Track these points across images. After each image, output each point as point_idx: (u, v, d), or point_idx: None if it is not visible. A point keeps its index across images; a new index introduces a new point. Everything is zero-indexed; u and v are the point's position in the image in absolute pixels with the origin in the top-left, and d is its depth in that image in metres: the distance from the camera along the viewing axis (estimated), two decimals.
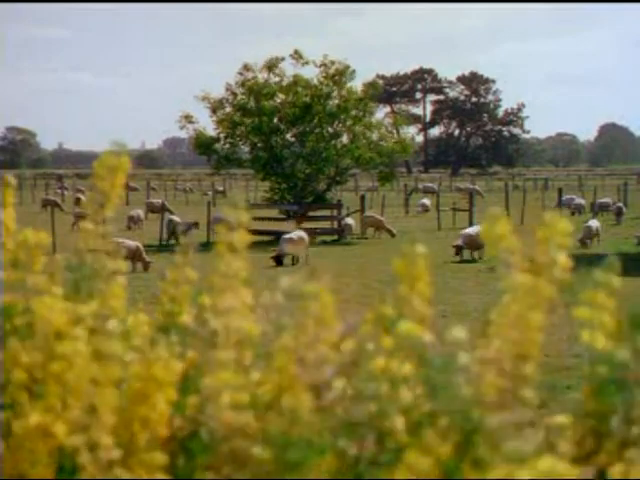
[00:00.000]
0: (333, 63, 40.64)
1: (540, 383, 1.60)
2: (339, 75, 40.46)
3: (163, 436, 1.59)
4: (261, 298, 1.68)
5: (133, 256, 24.91)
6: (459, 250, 27.70)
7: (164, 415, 1.59)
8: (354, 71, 40.92)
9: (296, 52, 40.67)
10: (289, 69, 41.07)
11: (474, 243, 26.87)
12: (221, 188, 73.23)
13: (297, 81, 40.50)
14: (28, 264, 1.75)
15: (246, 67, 40.82)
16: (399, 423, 1.53)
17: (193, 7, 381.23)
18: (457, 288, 21.18)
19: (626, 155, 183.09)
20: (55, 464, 1.57)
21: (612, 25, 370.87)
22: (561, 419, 1.59)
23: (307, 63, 40.72)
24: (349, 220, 38.00)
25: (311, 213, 39.96)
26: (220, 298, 1.64)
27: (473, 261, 27.09)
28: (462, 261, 27.29)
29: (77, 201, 48.63)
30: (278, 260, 27.06)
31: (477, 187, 71.68)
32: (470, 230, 28.31)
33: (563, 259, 1.62)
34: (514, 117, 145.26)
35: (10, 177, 1.97)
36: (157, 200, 51.85)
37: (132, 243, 25.39)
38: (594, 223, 33.37)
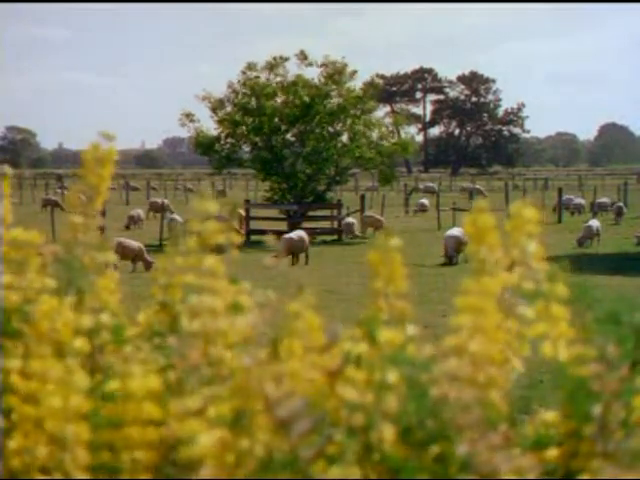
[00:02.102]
0: (333, 63, 40.67)
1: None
2: (338, 74, 40.47)
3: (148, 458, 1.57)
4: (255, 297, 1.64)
5: (135, 256, 24.94)
6: (451, 258, 26.73)
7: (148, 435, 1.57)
8: (355, 71, 40.97)
9: (302, 52, 40.70)
10: (292, 69, 41.18)
11: (460, 246, 26.11)
12: (221, 187, 73.27)
13: (297, 81, 40.53)
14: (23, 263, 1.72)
15: (250, 66, 40.84)
16: (387, 432, 1.52)
17: (193, 7, 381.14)
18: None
19: (626, 155, 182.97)
20: None
21: (612, 25, 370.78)
22: (549, 416, 1.59)
23: (311, 64, 40.78)
24: (351, 219, 37.94)
25: (311, 213, 39.97)
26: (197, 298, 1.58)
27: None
28: (462, 261, 27.25)
29: None
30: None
31: (480, 187, 71.66)
32: (456, 232, 26.81)
33: (535, 248, 1.60)
34: (514, 117, 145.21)
35: (6, 167, 1.93)
36: (159, 200, 51.80)
37: (135, 243, 25.44)
38: (594, 223, 33.36)
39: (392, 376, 1.53)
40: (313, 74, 41.13)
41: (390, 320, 1.60)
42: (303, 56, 40.73)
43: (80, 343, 1.61)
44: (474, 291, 1.54)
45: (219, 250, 1.63)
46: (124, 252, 24.81)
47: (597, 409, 1.48)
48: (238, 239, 1.63)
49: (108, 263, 1.80)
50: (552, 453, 1.55)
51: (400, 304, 1.61)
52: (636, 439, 1.47)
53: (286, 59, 40.74)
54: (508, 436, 1.48)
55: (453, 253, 26.52)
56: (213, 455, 1.48)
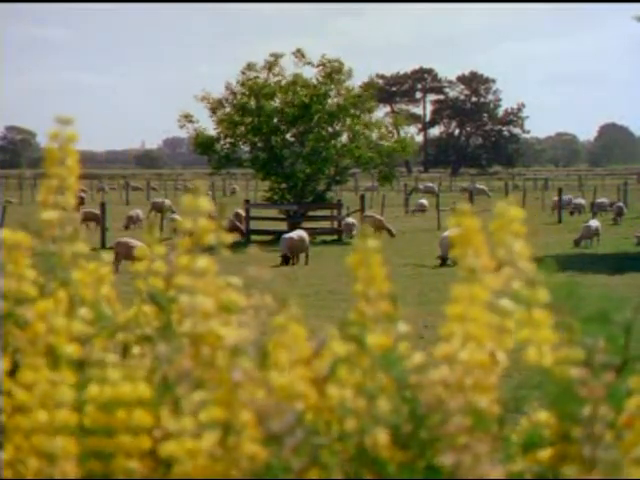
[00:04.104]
0: (330, 62, 40.69)
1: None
2: (336, 73, 40.49)
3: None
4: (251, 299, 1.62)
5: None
6: (444, 261, 26.28)
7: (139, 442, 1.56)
8: (351, 69, 41.01)
9: (299, 50, 40.71)
10: (290, 68, 41.19)
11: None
12: (237, 187, 74.99)
13: (296, 81, 40.54)
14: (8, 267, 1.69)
15: (249, 66, 40.86)
16: (381, 437, 1.52)
17: (193, 7, 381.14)
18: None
19: (626, 155, 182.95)
20: None
21: (612, 25, 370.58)
22: (543, 415, 1.59)
23: (309, 63, 40.80)
24: (351, 220, 37.85)
25: (311, 213, 39.97)
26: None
27: None
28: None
29: (81, 200, 48.36)
30: (286, 259, 27.27)
31: (484, 187, 71.56)
32: (449, 234, 25.76)
33: (521, 247, 1.59)
34: (514, 117, 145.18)
35: None
36: (161, 200, 51.76)
37: (139, 243, 25.32)
38: (594, 223, 33.33)
39: (382, 379, 1.53)
40: (311, 74, 41.21)
41: (375, 321, 1.59)
42: (300, 54, 40.74)
43: (71, 349, 1.59)
44: (463, 299, 1.54)
45: (212, 249, 1.61)
46: (128, 252, 24.73)
47: (583, 412, 1.48)
48: (230, 238, 1.62)
49: (79, 254, 1.77)
50: (544, 454, 1.55)
51: (383, 305, 1.60)
52: (625, 442, 1.47)
53: (281, 56, 40.72)
54: (497, 439, 1.47)
55: (446, 254, 26.19)
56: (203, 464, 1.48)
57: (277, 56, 40.71)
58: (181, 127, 41.43)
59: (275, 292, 1.64)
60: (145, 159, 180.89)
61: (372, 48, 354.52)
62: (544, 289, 1.56)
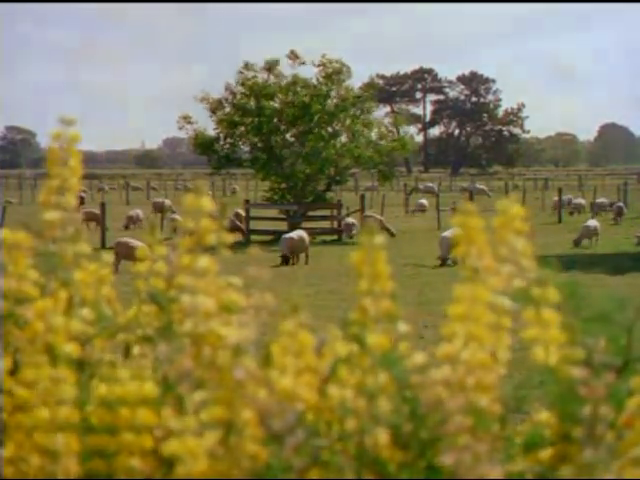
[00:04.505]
0: (331, 62, 40.72)
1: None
2: (336, 74, 40.53)
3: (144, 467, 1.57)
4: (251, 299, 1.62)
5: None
6: (444, 261, 26.22)
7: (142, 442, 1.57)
8: (349, 68, 41.04)
9: (292, 52, 40.74)
10: (287, 69, 41.21)
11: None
12: (237, 187, 75.23)
13: (296, 81, 40.57)
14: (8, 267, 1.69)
15: (247, 66, 40.89)
16: (382, 437, 1.52)
17: (193, 7, 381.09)
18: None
19: (626, 155, 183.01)
20: None
21: (612, 25, 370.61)
22: (544, 415, 1.59)
23: (304, 63, 40.83)
24: (351, 220, 37.84)
25: (311, 213, 39.98)
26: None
27: None
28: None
29: (81, 200, 48.32)
30: (286, 259, 27.29)
31: (484, 187, 71.57)
32: (450, 233, 25.51)
33: (522, 245, 1.59)
34: (514, 117, 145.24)
35: None
36: (161, 200, 51.78)
37: (139, 244, 25.25)
38: (592, 223, 33.32)
39: (383, 379, 1.52)
40: (310, 73, 41.24)
41: (376, 320, 1.59)
42: (294, 55, 40.75)
43: (70, 348, 1.59)
44: (465, 299, 1.53)
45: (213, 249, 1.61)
46: (128, 252, 24.65)
47: (584, 412, 1.48)
48: (231, 238, 1.62)
49: (81, 254, 1.77)
50: (545, 454, 1.55)
51: (386, 303, 1.59)
52: (625, 442, 1.47)
53: (276, 61, 40.72)
54: (498, 439, 1.48)
55: (446, 255, 26.11)
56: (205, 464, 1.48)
57: (273, 62, 40.72)
58: (180, 128, 41.49)
59: (275, 292, 1.63)
60: (145, 159, 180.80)
61: (372, 48, 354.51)
62: (554, 289, 1.55)
